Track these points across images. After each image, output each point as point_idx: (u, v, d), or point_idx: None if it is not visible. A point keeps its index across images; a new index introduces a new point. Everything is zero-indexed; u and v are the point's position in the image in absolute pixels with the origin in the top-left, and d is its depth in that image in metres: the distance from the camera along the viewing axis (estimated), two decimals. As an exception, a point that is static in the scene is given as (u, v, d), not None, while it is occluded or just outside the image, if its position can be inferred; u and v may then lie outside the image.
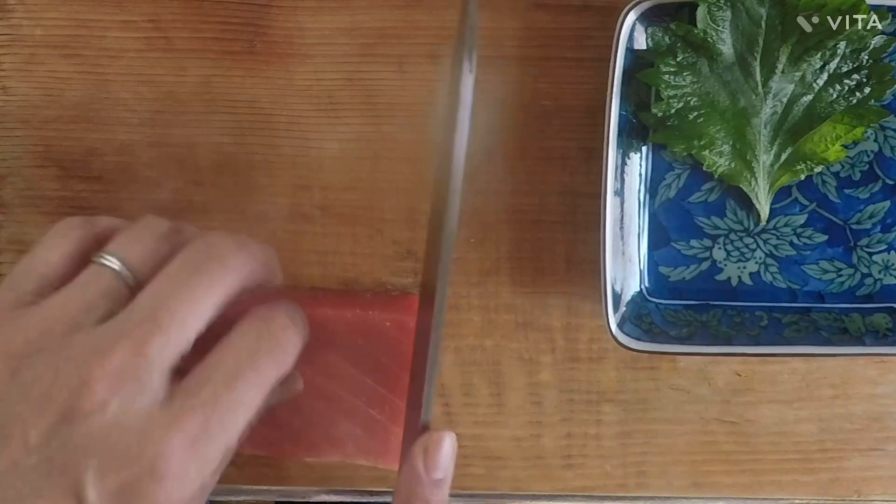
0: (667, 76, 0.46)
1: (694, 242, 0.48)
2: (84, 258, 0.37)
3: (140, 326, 0.34)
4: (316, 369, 0.48)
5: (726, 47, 0.46)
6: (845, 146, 0.47)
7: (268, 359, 0.37)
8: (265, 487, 0.51)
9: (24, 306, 0.36)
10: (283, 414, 0.47)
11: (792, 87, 0.46)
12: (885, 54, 0.46)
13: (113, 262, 0.36)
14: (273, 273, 0.40)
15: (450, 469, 0.40)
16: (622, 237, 0.47)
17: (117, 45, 0.49)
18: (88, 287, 0.36)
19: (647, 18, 0.46)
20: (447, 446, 0.39)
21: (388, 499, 0.52)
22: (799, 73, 0.46)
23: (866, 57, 0.46)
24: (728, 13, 0.45)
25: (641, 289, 0.48)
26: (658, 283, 0.48)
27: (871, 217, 0.48)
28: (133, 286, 0.36)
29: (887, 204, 0.48)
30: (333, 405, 0.48)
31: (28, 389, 0.33)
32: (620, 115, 0.45)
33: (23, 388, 0.33)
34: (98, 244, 0.38)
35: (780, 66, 0.46)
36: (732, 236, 0.48)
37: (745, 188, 0.47)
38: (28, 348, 0.34)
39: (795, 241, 0.48)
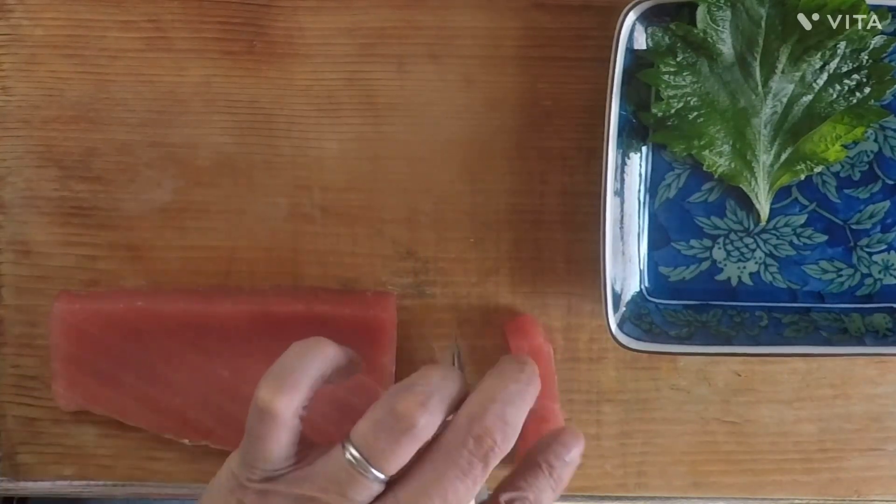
0: (667, 76, 0.46)
1: (694, 242, 0.48)
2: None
3: None
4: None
5: (726, 47, 0.46)
6: (845, 146, 0.47)
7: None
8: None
9: (273, 481, 0.38)
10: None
11: (792, 87, 0.46)
12: (885, 54, 0.46)
13: (355, 457, 0.38)
14: None
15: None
16: (622, 237, 0.47)
17: (117, 45, 0.49)
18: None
19: (647, 18, 0.46)
20: (576, 453, 0.41)
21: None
22: (799, 73, 0.46)
23: (866, 57, 0.46)
24: (728, 13, 0.45)
25: (641, 289, 0.48)
26: (658, 283, 0.48)
27: (871, 217, 0.48)
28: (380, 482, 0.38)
29: (887, 204, 0.48)
30: (333, 405, 0.48)
31: None
32: (620, 115, 0.45)
33: None
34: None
35: (780, 66, 0.46)
36: (732, 236, 0.48)
37: (745, 188, 0.47)
38: None
39: (795, 241, 0.48)
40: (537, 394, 0.40)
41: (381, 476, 0.38)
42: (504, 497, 0.39)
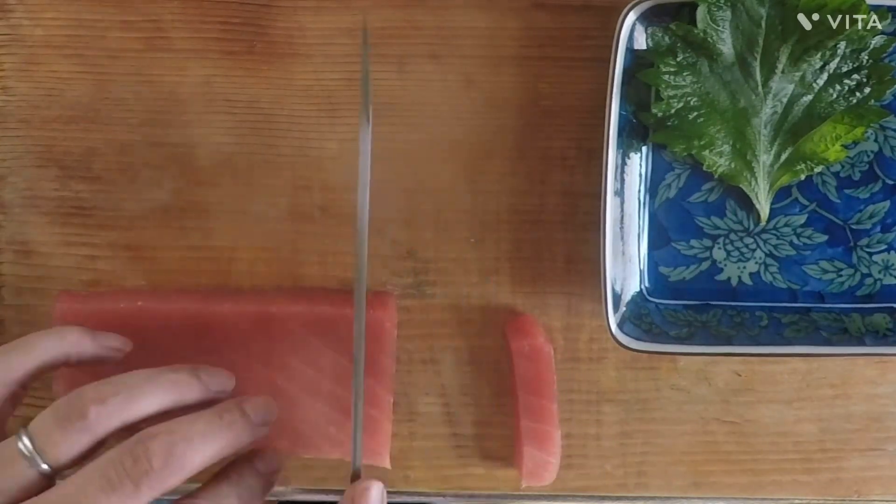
0: (667, 76, 0.46)
1: (694, 242, 0.48)
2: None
3: None
4: (317, 369, 0.48)
5: (726, 47, 0.46)
6: (845, 146, 0.47)
7: None
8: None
9: None
10: (282, 414, 0.47)
11: (792, 87, 0.46)
12: (885, 54, 0.46)
13: (26, 446, 0.37)
14: None
15: None
16: (622, 237, 0.47)
17: (117, 45, 0.49)
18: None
19: (647, 18, 0.46)
20: (375, 496, 0.40)
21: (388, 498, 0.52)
22: (799, 73, 0.46)
23: (866, 57, 0.46)
24: (728, 13, 0.45)
25: (641, 289, 0.48)
26: (658, 283, 0.48)
27: (871, 217, 0.48)
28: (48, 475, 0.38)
29: (887, 204, 0.48)
30: (333, 403, 0.48)
31: None
32: (620, 115, 0.45)
33: None
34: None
35: (780, 66, 0.46)
36: (732, 236, 0.48)
37: (745, 188, 0.47)
38: None
39: (795, 241, 0.48)
40: (240, 441, 0.39)
41: (45, 467, 0.37)
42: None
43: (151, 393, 0.39)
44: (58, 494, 0.36)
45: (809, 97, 0.46)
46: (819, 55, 0.45)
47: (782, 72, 0.46)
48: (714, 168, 0.47)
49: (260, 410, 0.41)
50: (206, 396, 0.41)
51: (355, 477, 0.41)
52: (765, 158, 0.47)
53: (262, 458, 0.42)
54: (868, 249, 0.48)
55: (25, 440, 0.37)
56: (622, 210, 0.47)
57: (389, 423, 0.48)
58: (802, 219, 0.48)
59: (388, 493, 0.51)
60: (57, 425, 0.37)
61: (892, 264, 0.48)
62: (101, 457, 0.37)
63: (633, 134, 0.47)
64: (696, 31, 0.45)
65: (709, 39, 0.45)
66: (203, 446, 0.38)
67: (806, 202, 0.48)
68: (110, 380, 0.39)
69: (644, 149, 0.48)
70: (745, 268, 0.48)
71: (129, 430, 0.39)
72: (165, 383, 0.40)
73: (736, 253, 0.48)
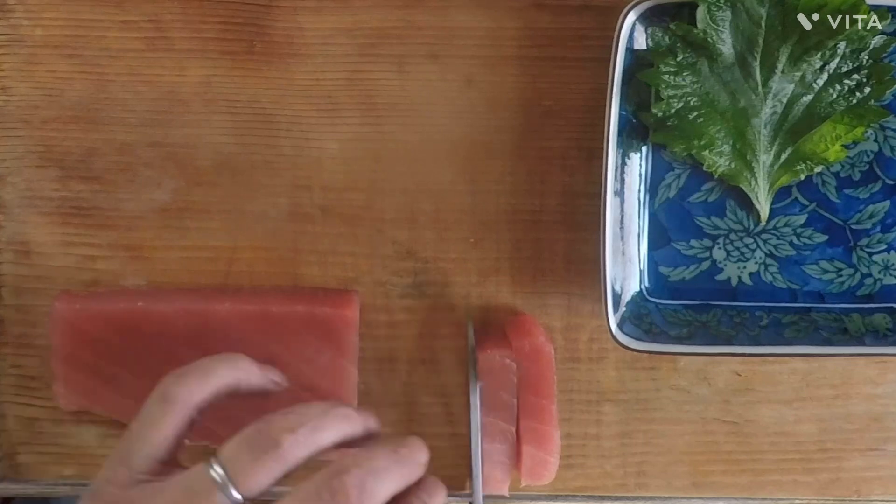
0: (667, 76, 0.46)
1: (694, 242, 0.48)
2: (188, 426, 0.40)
3: None
4: (316, 368, 0.48)
5: (726, 47, 0.46)
6: (845, 146, 0.47)
7: None
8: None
9: (138, 484, 0.39)
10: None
11: (792, 87, 0.46)
12: (885, 54, 0.46)
13: (219, 474, 0.38)
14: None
15: None
16: (622, 237, 0.47)
17: (117, 45, 0.49)
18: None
19: (647, 18, 0.46)
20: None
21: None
22: (799, 73, 0.46)
23: (866, 57, 0.46)
24: (728, 13, 0.45)
25: (641, 289, 0.48)
26: (658, 283, 0.48)
27: (871, 217, 0.48)
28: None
29: (887, 204, 0.48)
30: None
31: None
32: (620, 115, 0.45)
33: None
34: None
35: (780, 66, 0.46)
36: (732, 236, 0.48)
37: (745, 188, 0.47)
38: None
39: (795, 241, 0.48)
40: (412, 476, 0.41)
41: (238, 497, 0.37)
42: None
43: (331, 426, 0.40)
44: None
45: (809, 97, 0.46)
46: (819, 55, 0.45)
47: (782, 72, 0.46)
48: (714, 168, 0.47)
49: (420, 448, 0.41)
50: (364, 435, 0.42)
51: None
52: (765, 158, 0.47)
53: (425, 488, 0.42)
54: (868, 249, 0.48)
55: (218, 469, 0.38)
56: (622, 210, 0.47)
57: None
58: (802, 219, 0.48)
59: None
60: (251, 455, 0.38)
61: (892, 264, 0.48)
62: (298, 490, 0.38)
63: (633, 134, 0.47)
64: (696, 31, 0.45)
65: (709, 39, 0.45)
66: (386, 482, 0.39)
67: (806, 202, 0.48)
68: (291, 410, 0.39)
69: (644, 149, 0.48)
70: (745, 268, 0.48)
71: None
72: (340, 417, 0.40)
73: (736, 253, 0.48)
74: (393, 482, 0.39)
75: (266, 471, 0.38)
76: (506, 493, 0.50)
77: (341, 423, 0.40)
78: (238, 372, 0.42)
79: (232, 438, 0.38)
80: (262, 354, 0.48)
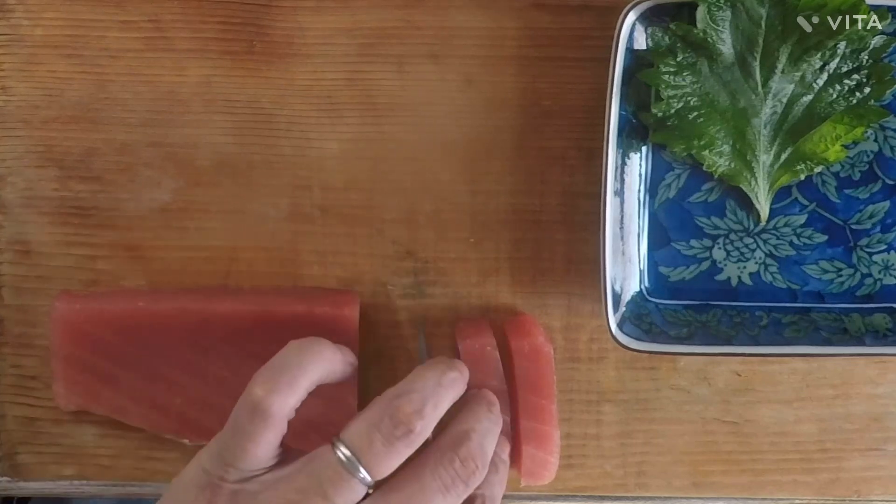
0: (667, 76, 0.46)
1: (694, 242, 0.48)
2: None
3: None
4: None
5: (726, 47, 0.46)
6: (845, 146, 0.47)
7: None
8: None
9: (254, 478, 0.39)
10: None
11: (792, 87, 0.46)
12: (885, 54, 0.46)
13: (347, 458, 0.38)
14: None
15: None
16: (622, 237, 0.47)
17: (117, 45, 0.49)
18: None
19: (647, 18, 0.46)
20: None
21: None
22: (799, 73, 0.46)
23: (866, 57, 0.46)
24: (728, 13, 0.45)
25: (641, 289, 0.48)
26: (658, 283, 0.48)
27: (871, 217, 0.48)
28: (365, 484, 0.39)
29: (887, 204, 0.48)
30: (331, 402, 0.48)
31: None
32: (620, 115, 0.45)
33: None
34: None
35: (780, 66, 0.46)
36: (732, 236, 0.48)
37: (745, 188, 0.47)
38: None
39: (795, 241, 0.48)
40: (497, 435, 0.42)
41: (369, 479, 0.37)
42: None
43: (446, 396, 0.41)
44: (392, 499, 0.38)
45: (809, 97, 0.46)
46: (819, 55, 0.45)
47: (782, 72, 0.46)
48: (714, 168, 0.47)
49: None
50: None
51: None
52: (765, 158, 0.47)
53: (502, 444, 0.44)
54: (868, 249, 0.48)
55: (346, 452, 0.38)
56: (622, 210, 0.47)
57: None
58: (802, 219, 0.48)
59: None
60: (384, 441, 0.38)
61: (892, 264, 0.48)
62: (423, 463, 0.39)
63: (633, 134, 0.47)
64: (696, 31, 0.45)
65: (709, 39, 0.45)
66: (493, 441, 0.42)
67: (806, 202, 0.48)
68: (410, 387, 0.40)
69: (644, 149, 0.48)
70: (745, 268, 0.48)
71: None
72: (450, 385, 0.41)
73: (736, 253, 0.48)
74: (495, 441, 0.42)
75: (399, 455, 0.38)
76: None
77: (453, 391, 0.41)
78: (324, 363, 0.41)
79: (356, 422, 0.39)
80: (262, 354, 0.48)
